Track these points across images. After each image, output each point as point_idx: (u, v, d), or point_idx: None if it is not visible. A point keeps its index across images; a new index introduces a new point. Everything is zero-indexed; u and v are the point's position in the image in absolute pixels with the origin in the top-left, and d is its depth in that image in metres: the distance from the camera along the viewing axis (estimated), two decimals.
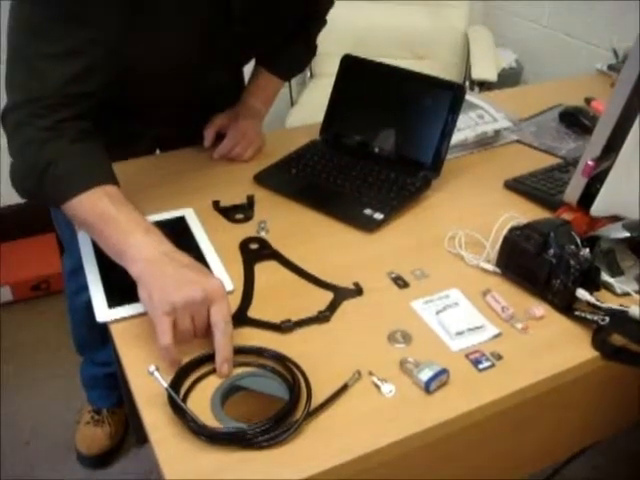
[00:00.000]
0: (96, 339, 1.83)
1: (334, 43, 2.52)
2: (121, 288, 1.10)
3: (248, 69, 1.63)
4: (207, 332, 0.99)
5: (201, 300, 0.96)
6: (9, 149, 1.12)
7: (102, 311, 1.07)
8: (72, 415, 2.10)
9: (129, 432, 2.07)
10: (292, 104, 2.77)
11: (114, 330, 1.05)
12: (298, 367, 0.96)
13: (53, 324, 2.46)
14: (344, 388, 0.94)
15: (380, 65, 1.49)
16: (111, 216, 1.05)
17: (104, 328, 1.29)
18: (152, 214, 1.27)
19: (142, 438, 1.97)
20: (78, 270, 1.62)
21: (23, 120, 1.09)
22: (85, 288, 1.60)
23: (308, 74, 2.92)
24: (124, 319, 1.07)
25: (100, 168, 1.12)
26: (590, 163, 1.16)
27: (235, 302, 1.09)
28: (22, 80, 1.11)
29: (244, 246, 1.23)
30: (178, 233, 1.25)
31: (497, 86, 2.60)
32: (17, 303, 2.60)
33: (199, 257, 1.18)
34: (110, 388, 1.96)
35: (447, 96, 1.40)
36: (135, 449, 2.05)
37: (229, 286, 1.12)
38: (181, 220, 1.28)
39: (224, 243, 1.23)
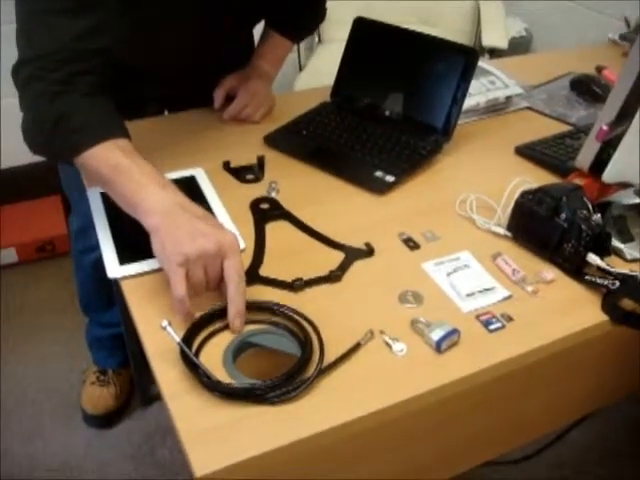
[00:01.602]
0: (102, 300, 1.84)
1: (343, 9, 2.51)
2: (132, 245, 1.10)
3: (258, 32, 1.62)
4: (220, 285, 0.99)
5: (214, 252, 0.96)
6: (20, 104, 1.11)
7: (113, 268, 1.07)
8: (77, 375, 2.12)
9: (134, 393, 2.09)
10: (300, 69, 2.75)
11: (125, 287, 1.05)
12: (311, 323, 0.96)
13: (58, 285, 2.47)
14: (357, 347, 0.94)
15: (393, 28, 1.48)
16: (125, 168, 1.04)
17: (110, 289, 1.29)
18: (163, 173, 1.27)
19: (147, 399, 2.02)
20: (85, 229, 1.63)
21: (34, 74, 1.08)
22: (92, 248, 1.62)
23: (316, 39, 2.90)
24: (135, 276, 1.07)
25: (112, 121, 1.11)
26: (604, 128, 1.16)
27: (246, 261, 1.09)
28: (33, 36, 1.10)
29: (255, 206, 1.23)
30: (189, 192, 1.23)
31: (506, 54, 2.58)
32: (22, 265, 2.60)
33: None
34: (116, 349, 1.97)
35: (460, 60, 1.39)
36: (140, 410, 2.07)
37: (240, 245, 1.11)
38: (191, 180, 1.28)
39: (235, 203, 1.23)
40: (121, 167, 1.04)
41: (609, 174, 1.20)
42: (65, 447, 1.95)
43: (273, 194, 1.26)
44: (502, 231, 1.18)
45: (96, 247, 1.14)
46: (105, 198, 1.22)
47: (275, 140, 1.43)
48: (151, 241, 0.99)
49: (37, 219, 2.67)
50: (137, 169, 1.04)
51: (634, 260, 1.13)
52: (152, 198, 1.01)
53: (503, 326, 1.00)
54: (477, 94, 1.58)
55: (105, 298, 1.82)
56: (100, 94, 1.13)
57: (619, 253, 1.14)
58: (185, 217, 0.99)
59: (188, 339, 0.93)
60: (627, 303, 1.03)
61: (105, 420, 2.01)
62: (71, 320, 2.26)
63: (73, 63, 1.09)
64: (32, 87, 1.09)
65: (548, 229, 1.10)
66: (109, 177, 1.05)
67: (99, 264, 1.11)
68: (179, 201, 1.02)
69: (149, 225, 1.00)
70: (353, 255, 1.12)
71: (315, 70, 2.69)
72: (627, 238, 1.16)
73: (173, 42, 1.27)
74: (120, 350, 1.95)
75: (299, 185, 1.30)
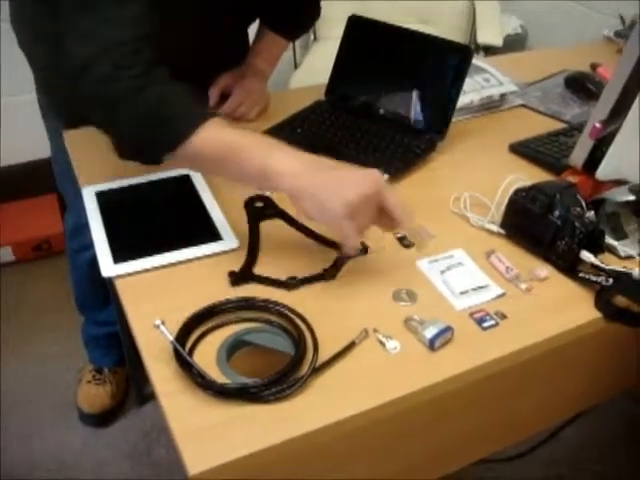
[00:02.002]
0: (98, 298, 1.84)
1: (338, 6, 2.51)
2: (126, 244, 1.11)
3: (252, 30, 1.62)
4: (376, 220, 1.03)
5: (374, 191, 0.97)
6: (98, 107, 1.06)
7: (107, 266, 1.07)
8: (73, 374, 2.11)
9: (130, 392, 2.09)
10: (295, 67, 2.75)
11: (119, 286, 1.05)
12: (305, 321, 0.97)
13: (55, 284, 2.47)
14: (351, 345, 0.94)
15: (387, 26, 1.48)
16: (241, 141, 1.03)
17: (106, 287, 1.29)
18: (157, 172, 1.27)
19: (143, 398, 2.02)
20: (80, 228, 1.63)
21: (108, 75, 1.03)
22: (87, 246, 1.61)
23: (312, 37, 2.90)
24: (129, 275, 1.07)
25: (203, 102, 1.09)
26: (597, 125, 1.16)
27: (240, 259, 1.09)
28: (90, 31, 1.04)
29: (249, 204, 1.22)
30: (183, 191, 1.25)
31: (502, 52, 2.58)
32: (18, 263, 2.60)
33: (204, 215, 1.19)
34: (111, 347, 1.97)
35: (454, 58, 1.40)
36: (135, 409, 2.07)
37: (235, 243, 1.12)
38: (186, 178, 1.28)
39: (229, 201, 1.23)
40: (238, 142, 1.03)
41: (603, 171, 1.20)
42: (61, 446, 1.95)
43: (267, 192, 1.26)
44: (496, 229, 1.18)
45: (91, 246, 1.14)
46: (99, 196, 1.22)
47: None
48: (295, 203, 1.00)
49: (34, 218, 2.67)
50: (253, 140, 1.03)
51: (628, 257, 1.14)
52: (284, 161, 1.00)
53: (497, 324, 1.00)
54: (471, 92, 1.58)
55: (100, 297, 1.82)
56: (175, 80, 1.09)
57: (613, 250, 1.15)
58: (326, 170, 1.01)
59: (181, 338, 0.93)
60: (620, 300, 1.03)
61: (101, 419, 2.01)
62: (68, 319, 2.26)
63: (140, 53, 1.05)
64: (112, 89, 1.03)
65: (542, 226, 1.10)
66: (225, 156, 1.03)
67: (94, 263, 1.10)
68: (308, 157, 1.03)
69: (290, 188, 1.00)
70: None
71: (310, 68, 2.69)
72: (621, 235, 1.16)
73: (173, 42, 1.26)
74: (116, 349, 1.94)
75: None
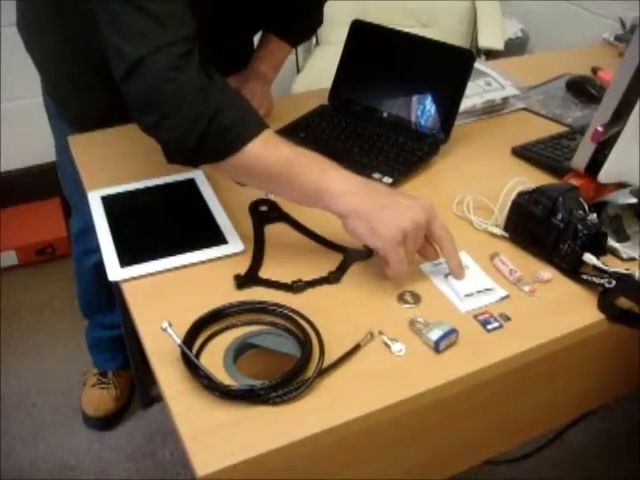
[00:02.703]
0: (103, 302, 1.85)
1: (340, 10, 2.52)
2: (132, 247, 1.12)
3: (256, 35, 1.63)
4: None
5: (425, 221, 0.99)
6: (149, 117, 1.01)
7: (114, 270, 1.08)
8: (77, 377, 2.12)
9: (135, 395, 2.09)
10: (298, 71, 2.76)
11: (126, 289, 1.06)
12: (311, 324, 0.97)
13: (58, 288, 2.48)
14: (357, 348, 0.95)
15: (390, 31, 1.49)
16: (295, 157, 1.02)
17: (111, 291, 1.29)
18: (162, 176, 1.28)
19: (147, 401, 2.02)
20: (86, 232, 1.64)
21: (164, 76, 0.99)
22: (93, 250, 1.62)
23: (314, 41, 2.90)
24: (135, 278, 1.07)
25: (255, 111, 1.05)
26: (599, 129, 1.17)
27: (246, 263, 1.10)
28: (138, 30, 0.99)
29: (254, 208, 1.23)
30: (188, 195, 1.26)
31: (502, 56, 2.59)
32: (22, 267, 2.61)
33: (209, 218, 1.19)
34: (116, 351, 1.98)
35: (456, 62, 1.40)
36: (140, 412, 2.07)
37: (240, 247, 1.13)
38: (191, 182, 1.29)
39: (234, 205, 1.23)
40: (293, 157, 1.02)
41: (605, 174, 1.20)
42: (66, 449, 1.96)
43: (272, 196, 1.27)
44: (499, 231, 1.18)
45: (97, 249, 1.14)
46: (105, 201, 1.23)
47: None
48: (348, 223, 1.01)
49: (37, 222, 2.68)
50: (307, 158, 1.03)
51: (630, 259, 1.14)
52: (339, 181, 1.01)
53: (501, 326, 1.01)
54: (473, 95, 1.59)
55: (106, 300, 1.82)
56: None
57: (615, 252, 1.15)
58: (380, 194, 1.02)
59: (189, 340, 0.94)
60: (623, 302, 1.03)
61: (105, 422, 2.02)
62: (71, 322, 2.27)
63: (191, 53, 1.01)
64: (167, 90, 0.99)
65: (544, 229, 1.11)
66: (279, 170, 1.02)
67: (100, 266, 1.11)
68: (361, 180, 1.03)
69: (344, 207, 1.00)
70: (352, 256, 1.12)
71: (313, 72, 2.70)
72: (623, 237, 1.17)
73: None
74: (120, 352, 1.95)
75: None
